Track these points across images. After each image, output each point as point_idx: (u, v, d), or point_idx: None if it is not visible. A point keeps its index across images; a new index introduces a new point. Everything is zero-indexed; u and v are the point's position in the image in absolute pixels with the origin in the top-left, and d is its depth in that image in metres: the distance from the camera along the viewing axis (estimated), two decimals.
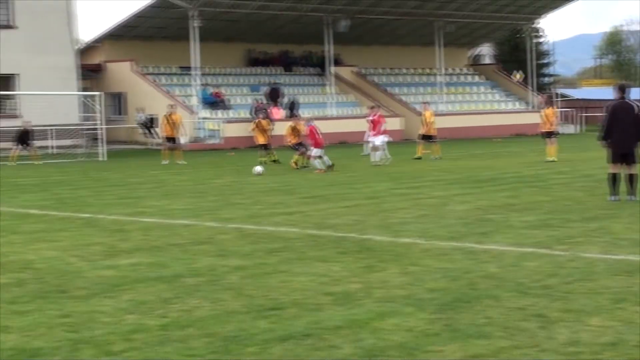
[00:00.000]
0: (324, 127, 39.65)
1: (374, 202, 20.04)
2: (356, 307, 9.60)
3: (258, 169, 29.40)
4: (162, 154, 37.99)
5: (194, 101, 52.76)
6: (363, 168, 31.95)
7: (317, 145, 31.13)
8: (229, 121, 52.01)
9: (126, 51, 55.40)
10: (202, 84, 53.92)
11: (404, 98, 62.66)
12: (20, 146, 38.81)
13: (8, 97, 47.70)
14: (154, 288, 10.85)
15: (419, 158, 36.02)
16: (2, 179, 29.32)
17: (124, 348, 8.16)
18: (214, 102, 54.15)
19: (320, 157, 30.88)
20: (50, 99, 44.90)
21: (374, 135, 34.98)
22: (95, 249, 13.94)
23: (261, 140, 36.20)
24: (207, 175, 29.74)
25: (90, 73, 54.67)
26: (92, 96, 46.45)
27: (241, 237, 15.01)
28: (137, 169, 34.11)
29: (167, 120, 38.53)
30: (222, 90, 55.95)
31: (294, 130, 32.87)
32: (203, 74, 54.96)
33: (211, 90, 54.72)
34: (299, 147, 32.50)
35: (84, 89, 51.67)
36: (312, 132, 31.44)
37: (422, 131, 38.28)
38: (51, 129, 45.15)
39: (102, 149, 41.78)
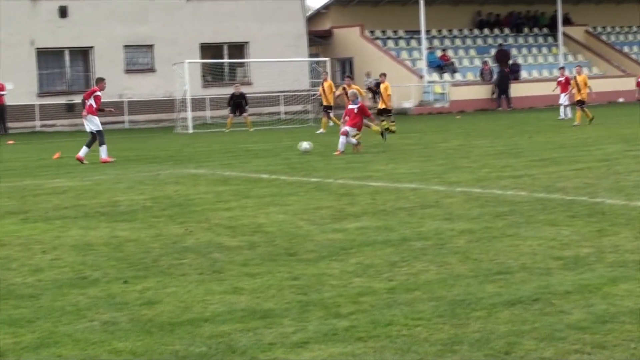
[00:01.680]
0: (552, 88, 39.00)
1: (606, 165, 19.45)
2: (587, 272, 9.35)
3: (305, 145, 25.79)
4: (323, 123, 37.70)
5: (421, 65, 52.67)
6: (593, 130, 31.08)
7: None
8: (456, 84, 51.69)
9: (354, 16, 55.79)
10: (429, 47, 53.71)
11: (638, 57, 60.46)
12: (232, 114, 39.61)
13: (240, 64, 49.02)
14: (381, 251, 10.92)
15: None
16: (234, 144, 30.20)
17: (351, 310, 8.24)
18: (441, 65, 53.89)
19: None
20: (280, 66, 45.85)
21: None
22: (323, 213, 14.15)
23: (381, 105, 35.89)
24: (434, 139, 29.65)
25: (319, 39, 55.42)
26: (321, 62, 47.11)
27: (468, 201, 14.88)
28: (365, 134, 34.41)
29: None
30: (449, 53, 55.57)
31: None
32: (430, 37, 54.75)
33: (438, 53, 54.47)
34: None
35: (313, 55, 52.47)
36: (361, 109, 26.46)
37: None
38: (281, 95, 46.11)
39: (331, 114, 42.31)
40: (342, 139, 25.05)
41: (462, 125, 37.92)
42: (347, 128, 25.44)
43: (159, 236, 12.44)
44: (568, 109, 38.86)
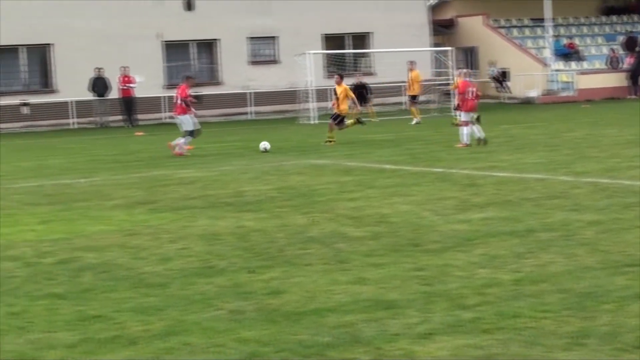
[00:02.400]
0: None
1: None
2: None
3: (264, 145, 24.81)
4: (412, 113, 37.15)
5: (547, 53, 51.86)
6: None
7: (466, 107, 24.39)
8: (583, 72, 50.69)
9: (477, 5, 55.19)
10: (555, 35, 52.86)
11: None
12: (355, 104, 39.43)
13: (363, 55, 49.04)
14: (506, 242, 10.81)
15: None
16: (357, 135, 30.24)
17: (476, 302, 8.19)
18: (567, 53, 52.96)
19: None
20: (403, 56, 45.67)
21: None
22: (447, 203, 14.08)
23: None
24: (560, 129, 29.18)
25: (442, 29, 55.05)
26: (444, 51, 46.80)
27: (596, 191, 14.62)
28: (488, 124, 34.07)
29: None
30: (576, 41, 54.60)
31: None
32: (556, 25, 53.85)
33: (564, 41, 53.55)
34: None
35: (436, 45, 52.15)
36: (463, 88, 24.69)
37: None
38: (404, 85, 45.98)
39: (454, 104, 42.01)
40: (464, 130, 24.01)
41: (590, 114, 37.21)
42: (464, 115, 24.15)
43: (284, 226, 12.56)
44: None
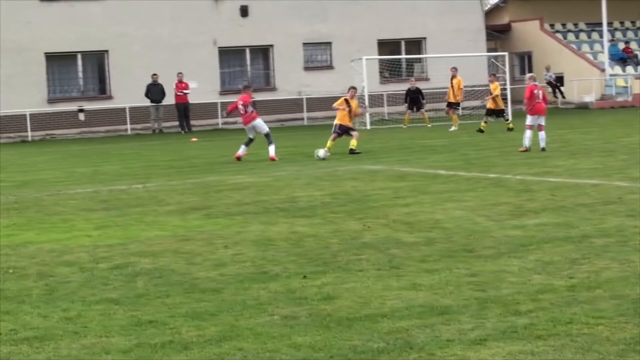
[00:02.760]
0: None
1: None
2: None
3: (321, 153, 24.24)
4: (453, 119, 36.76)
5: (603, 58, 51.41)
6: None
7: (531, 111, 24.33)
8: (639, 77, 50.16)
9: (532, 10, 54.86)
10: (611, 40, 52.37)
11: None
12: (410, 110, 39.35)
13: (417, 60, 48.96)
14: (561, 248, 10.74)
15: None
16: (412, 140, 30.20)
17: (530, 308, 8.15)
18: (624, 58, 52.45)
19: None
20: (458, 61, 45.54)
21: None
22: (502, 209, 14.01)
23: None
24: (616, 134, 28.90)
25: (496, 33, 54.79)
26: (499, 56, 46.57)
27: None
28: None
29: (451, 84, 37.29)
30: (633, 45, 54.05)
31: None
32: (612, 30, 53.37)
33: (621, 45, 53.03)
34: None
35: (491, 50, 51.91)
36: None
37: None
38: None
39: (509, 109, 41.80)
40: (527, 133, 23.86)
41: None
42: (529, 119, 23.98)
43: (338, 232, 12.57)
44: None
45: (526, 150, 23.36)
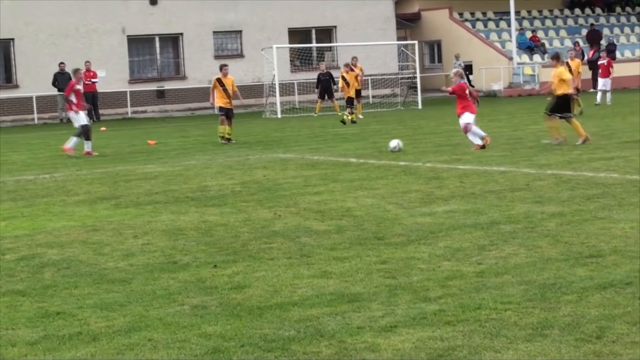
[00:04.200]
0: None
1: None
2: None
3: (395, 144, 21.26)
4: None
5: (511, 46, 52.10)
6: None
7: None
8: (546, 66, 50.92)
9: None
10: (519, 29, 53.10)
11: None
12: (321, 98, 39.25)
13: (328, 49, 49.03)
14: (469, 235, 10.85)
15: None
16: (323, 128, 30.25)
17: (440, 294, 8.21)
18: (531, 46, 53.23)
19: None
20: (368, 50, 45.74)
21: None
22: (412, 197, 14.10)
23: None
24: (524, 121, 29.31)
25: (406, 22, 55.14)
26: (409, 45, 46.88)
27: (558, 184, 14.70)
28: (452, 116, 34.19)
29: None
30: (540, 34, 54.86)
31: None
32: (520, 18, 54.11)
33: (528, 34, 53.80)
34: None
35: (401, 39, 52.23)
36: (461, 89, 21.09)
37: None
38: (369, 79, 46.02)
39: (418, 98, 42.15)
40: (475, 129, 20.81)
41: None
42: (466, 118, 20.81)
43: (248, 221, 12.53)
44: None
45: (483, 148, 20.40)
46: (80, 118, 23.61)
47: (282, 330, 7.33)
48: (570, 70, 29.51)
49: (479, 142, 20.73)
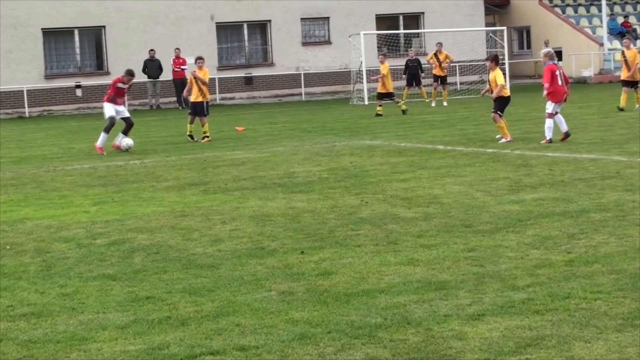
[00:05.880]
0: None
1: None
2: None
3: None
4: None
5: (602, 32, 51.27)
6: None
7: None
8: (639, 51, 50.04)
9: None
10: (610, 14, 52.22)
11: None
12: (408, 85, 39.03)
13: (415, 35, 48.81)
14: (559, 223, 10.72)
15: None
16: (410, 115, 30.13)
17: (528, 283, 8.13)
18: (622, 32, 52.31)
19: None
20: (456, 36, 45.42)
21: None
22: (500, 184, 13.99)
23: None
24: (614, 108, 28.81)
25: (495, 8, 54.61)
26: (497, 31, 46.44)
27: None
28: (540, 103, 33.77)
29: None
30: (632, 19, 53.89)
31: None
32: (611, 4, 53.22)
33: (620, 20, 52.89)
34: None
35: (489, 24, 51.75)
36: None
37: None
38: (457, 66, 45.71)
39: (507, 84, 41.66)
40: (548, 122, 19.83)
41: None
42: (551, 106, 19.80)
43: (335, 207, 12.55)
44: None
45: (550, 142, 19.32)
46: (108, 111, 22.90)
47: (368, 317, 7.33)
48: (625, 61, 28.63)
49: (550, 135, 19.46)
